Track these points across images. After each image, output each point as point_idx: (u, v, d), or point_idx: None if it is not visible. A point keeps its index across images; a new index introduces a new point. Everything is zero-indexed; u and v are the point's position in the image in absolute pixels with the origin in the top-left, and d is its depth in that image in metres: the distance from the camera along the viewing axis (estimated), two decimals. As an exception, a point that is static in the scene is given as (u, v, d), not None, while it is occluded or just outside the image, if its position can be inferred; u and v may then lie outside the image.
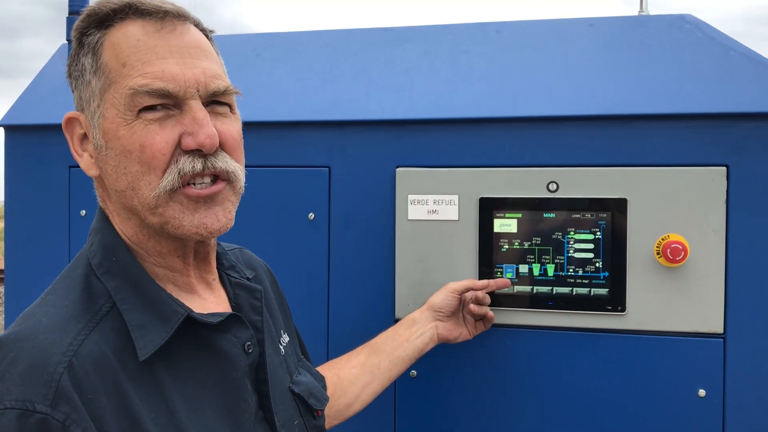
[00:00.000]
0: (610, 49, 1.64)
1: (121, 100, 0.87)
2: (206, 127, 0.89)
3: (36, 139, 1.80)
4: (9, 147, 1.83)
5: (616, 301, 1.47)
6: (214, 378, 0.92)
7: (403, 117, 1.59)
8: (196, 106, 0.89)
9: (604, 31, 1.69)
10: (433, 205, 1.56)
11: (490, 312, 1.47)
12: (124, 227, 0.95)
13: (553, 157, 1.52)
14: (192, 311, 0.91)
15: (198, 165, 0.89)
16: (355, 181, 1.62)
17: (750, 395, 1.44)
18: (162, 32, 0.90)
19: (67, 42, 2.00)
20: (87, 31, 0.92)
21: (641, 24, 1.69)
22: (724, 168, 1.43)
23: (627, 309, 1.46)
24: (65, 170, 1.78)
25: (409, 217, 1.57)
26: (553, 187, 1.50)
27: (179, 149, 0.89)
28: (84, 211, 1.75)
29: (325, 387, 1.31)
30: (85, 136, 0.94)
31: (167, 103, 0.88)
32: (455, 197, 1.55)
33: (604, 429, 1.50)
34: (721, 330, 1.44)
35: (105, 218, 0.96)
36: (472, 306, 1.45)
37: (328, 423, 1.32)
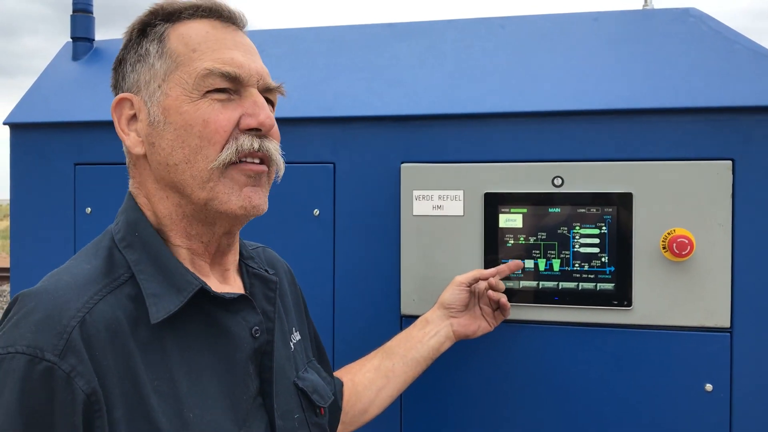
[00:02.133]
0: (615, 43, 1.64)
1: (190, 80, 0.96)
2: (266, 109, 0.99)
3: (41, 137, 1.81)
4: (14, 145, 1.84)
5: (622, 296, 1.47)
6: (219, 356, 0.96)
7: (407, 113, 1.59)
8: (257, 93, 1.00)
9: (608, 25, 1.68)
10: (438, 201, 1.56)
11: (503, 298, 1.45)
12: (157, 206, 1.00)
13: (557, 151, 1.52)
14: (206, 284, 0.95)
15: (255, 144, 0.97)
16: (359, 176, 1.62)
17: (757, 390, 1.43)
18: (228, 30, 1.02)
19: (71, 40, 2.00)
20: (153, 22, 1.01)
21: (646, 18, 1.69)
22: (730, 162, 1.43)
23: (633, 304, 1.46)
24: (71, 167, 1.78)
25: (414, 213, 1.57)
26: (558, 181, 1.50)
27: (237, 129, 0.97)
28: (89, 209, 1.76)
29: (341, 392, 1.34)
30: (133, 117, 1.01)
31: (232, 87, 0.97)
32: (460, 192, 1.55)
33: (610, 424, 1.49)
34: (727, 324, 1.43)
35: (132, 200, 1.02)
36: (490, 292, 1.45)
37: (345, 429, 1.35)
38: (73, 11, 1.99)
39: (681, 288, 1.44)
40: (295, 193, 1.65)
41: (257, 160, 0.99)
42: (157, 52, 0.99)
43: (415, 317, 1.57)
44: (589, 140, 1.51)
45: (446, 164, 1.56)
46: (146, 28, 1.01)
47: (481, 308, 1.48)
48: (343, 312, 1.64)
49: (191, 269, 0.99)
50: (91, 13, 2.01)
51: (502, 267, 1.48)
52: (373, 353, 1.45)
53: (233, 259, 1.09)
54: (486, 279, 1.46)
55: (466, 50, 1.71)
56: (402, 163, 1.59)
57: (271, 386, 1.02)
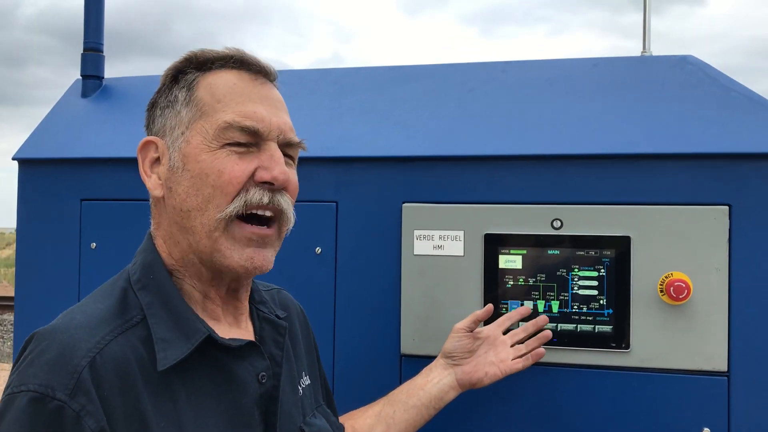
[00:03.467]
0: (614, 89, 1.67)
1: (211, 130, 0.99)
2: (281, 165, 1.01)
3: (49, 173, 1.84)
4: (23, 180, 1.87)
5: (620, 339, 1.48)
6: (225, 401, 0.97)
7: (409, 154, 1.62)
8: (275, 147, 1.02)
9: (608, 71, 1.72)
10: (439, 241, 1.58)
11: (539, 350, 1.44)
12: (172, 248, 1.02)
13: (557, 194, 1.54)
14: (213, 332, 0.97)
15: (265, 198, 0.99)
16: (361, 216, 1.64)
17: (755, 434, 1.44)
18: (255, 83, 1.04)
19: (81, 77, 2.04)
20: (185, 70, 1.05)
21: (644, 64, 1.72)
22: (727, 207, 1.45)
23: (631, 346, 1.47)
24: (77, 203, 1.81)
25: (415, 252, 1.59)
26: (557, 224, 1.52)
27: (251, 181, 0.99)
28: (94, 244, 1.78)
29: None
30: (157, 160, 1.04)
31: (251, 141, 1.00)
32: (461, 233, 1.57)
33: (608, 467, 1.49)
34: (725, 368, 1.44)
35: (151, 241, 1.05)
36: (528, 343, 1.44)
37: None
38: (84, 50, 2.03)
39: (678, 331, 1.45)
40: (298, 230, 1.65)
41: (269, 213, 1.01)
42: (184, 99, 1.02)
43: (415, 357, 1.58)
44: (588, 184, 1.53)
45: (447, 205, 1.59)
46: (179, 75, 1.05)
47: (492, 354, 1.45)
48: (344, 350, 1.64)
49: (202, 313, 1.01)
50: (102, 51, 2.05)
51: (503, 318, 1.47)
52: (377, 401, 1.44)
53: (246, 303, 1.11)
54: (483, 318, 1.44)
55: (468, 93, 1.74)
56: (403, 203, 1.61)
57: (275, 430, 1.02)
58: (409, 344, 1.59)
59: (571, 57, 1.81)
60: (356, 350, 1.64)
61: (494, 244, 1.54)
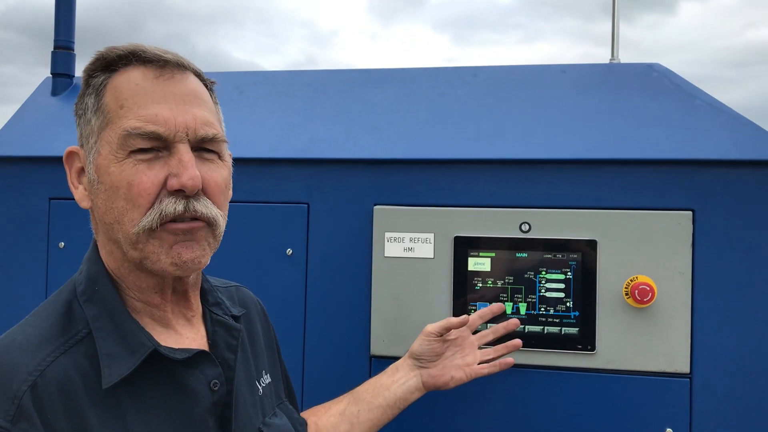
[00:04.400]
0: (582, 95, 1.70)
1: (115, 139, 0.93)
2: (190, 169, 0.93)
3: (17, 171, 1.82)
4: (-10, 178, 1.84)
5: (586, 341, 1.50)
6: (177, 412, 0.94)
7: (380, 156, 1.63)
8: (183, 149, 0.94)
9: (576, 77, 1.75)
10: (410, 243, 1.59)
11: (506, 358, 1.44)
12: (108, 260, 0.99)
13: (525, 198, 1.56)
14: (159, 345, 0.94)
15: (180, 207, 0.93)
16: (333, 217, 1.65)
17: (715, 434, 1.47)
18: (160, 79, 0.96)
19: (51, 75, 2.02)
20: (94, 73, 0.99)
21: (612, 72, 1.76)
22: (690, 212, 1.48)
23: (597, 348, 1.50)
24: (45, 202, 1.79)
25: (386, 254, 1.60)
26: (525, 227, 1.54)
27: (164, 190, 0.93)
28: (62, 243, 1.76)
29: None
30: (82, 170, 1.00)
31: (157, 145, 0.94)
32: (431, 235, 1.58)
33: (573, 467, 1.52)
34: (687, 370, 1.47)
35: (96, 249, 1.01)
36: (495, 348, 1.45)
37: None
38: (55, 47, 2.01)
39: (643, 334, 1.48)
40: (269, 232, 1.67)
41: (187, 221, 0.95)
42: (93, 107, 0.97)
43: (385, 358, 1.59)
44: (555, 188, 1.55)
45: (418, 207, 1.60)
46: (89, 79, 0.99)
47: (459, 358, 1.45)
48: (313, 352, 1.65)
49: (150, 323, 0.99)
50: (73, 50, 2.04)
51: (473, 315, 1.47)
52: (341, 397, 1.43)
53: (197, 303, 1.09)
54: (456, 327, 1.42)
55: (439, 97, 1.76)
56: (375, 205, 1.62)
57: None
58: (378, 345, 1.60)
59: (541, 63, 1.83)
60: (326, 351, 1.64)
61: (464, 246, 1.56)
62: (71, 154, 1.01)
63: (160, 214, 0.92)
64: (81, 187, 1.00)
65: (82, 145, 1.00)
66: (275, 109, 1.81)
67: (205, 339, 1.07)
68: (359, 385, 1.45)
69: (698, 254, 1.48)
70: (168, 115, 0.94)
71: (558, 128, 1.62)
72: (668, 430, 1.48)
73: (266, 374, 1.20)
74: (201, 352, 0.99)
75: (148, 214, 0.92)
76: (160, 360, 0.94)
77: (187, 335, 1.04)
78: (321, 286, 1.65)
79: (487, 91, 1.76)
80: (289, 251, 1.66)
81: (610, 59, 1.89)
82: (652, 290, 1.45)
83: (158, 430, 0.91)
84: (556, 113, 1.66)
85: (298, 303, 1.66)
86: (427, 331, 1.42)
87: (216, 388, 0.99)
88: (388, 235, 1.60)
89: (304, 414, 1.40)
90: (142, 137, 0.92)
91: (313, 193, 1.67)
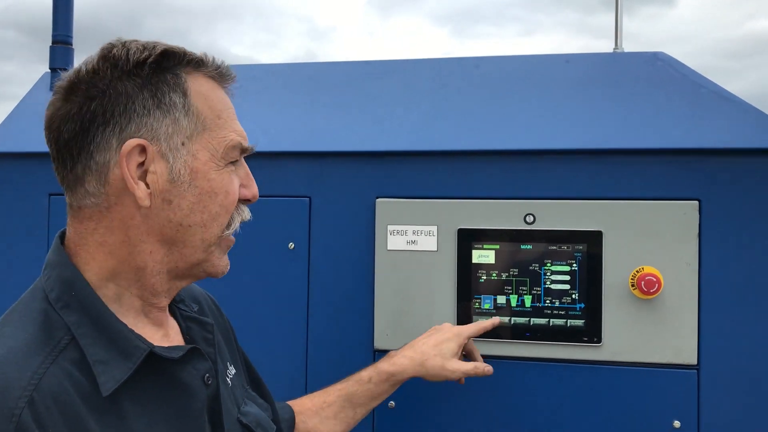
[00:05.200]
0: (586, 85, 1.68)
1: (219, 148, 0.97)
2: (254, 181, 1.05)
3: (17, 167, 1.80)
4: (-11, 174, 1.83)
5: (591, 333, 1.49)
6: (175, 409, 0.93)
7: (382, 149, 1.61)
8: (245, 162, 1.05)
9: (580, 67, 1.73)
10: (412, 236, 1.58)
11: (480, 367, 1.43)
12: (136, 258, 0.94)
13: (530, 189, 1.55)
14: (154, 346, 0.92)
15: (249, 215, 1.05)
16: (335, 211, 1.64)
17: (724, 426, 1.45)
18: (227, 93, 1.04)
19: (50, 70, 2.01)
20: (167, 65, 0.95)
21: (616, 61, 1.74)
22: (697, 202, 1.46)
23: (603, 340, 1.48)
24: (45, 198, 1.78)
25: (389, 248, 1.59)
26: (530, 219, 1.52)
27: None
28: (63, 239, 1.75)
29: (293, 420, 1.36)
30: (141, 165, 0.92)
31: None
32: (434, 228, 1.57)
33: (580, 460, 1.50)
34: (694, 362, 1.46)
35: (64, 253, 0.95)
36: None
37: None
38: (53, 42, 1.99)
39: (649, 325, 1.47)
40: (271, 226, 1.66)
41: None
42: (183, 107, 0.94)
43: (388, 351, 1.57)
44: (560, 179, 1.54)
45: (421, 200, 1.58)
46: (162, 73, 0.94)
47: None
48: (316, 346, 1.64)
49: (142, 321, 0.98)
50: (71, 44, 2.02)
51: (485, 324, 1.48)
52: (333, 394, 1.42)
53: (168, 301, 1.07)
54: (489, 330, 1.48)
55: (441, 89, 1.74)
56: (377, 198, 1.61)
57: (222, 429, 1.01)
58: (382, 339, 1.58)
59: (544, 53, 1.81)
60: (329, 345, 1.63)
61: (468, 239, 1.55)
62: (135, 148, 0.91)
63: (240, 220, 1.03)
64: (142, 185, 0.92)
65: (150, 140, 0.92)
66: (276, 102, 1.80)
67: (180, 335, 1.07)
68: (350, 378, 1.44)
69: (705, 244, 1.47)
70: (243, 130, 1.03)
71: (562, 118, 1.60)
72: (676, 422, 1.46)
73: (230, 366, 1.19)
74: (193, 348, 0.99)
75: (234, 220, 1.01)
76: (154, 359, 0.92)
77: (171, 333, 1.04)
78: (323, 280, 1.64)
79: (489, 82, 1.74)
80: (291, 245, 1.65)
81: (614, 48, 1.87)
82: (658, 281, 1.43)
83: (160, 430, 0.90)
84: (560, 103, 1.64)
85: (300, 297, 1.64)
86: (465, 336, 1.44)
87: (210, 382, 1.00)
88: (390, 228, 1.59)
89: (290, 403, 1.41)
90: (241, 151, 1.01)
91: (315, 187, 1.65)
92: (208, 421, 0.99)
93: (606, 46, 1.85)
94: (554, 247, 1.51)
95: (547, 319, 1.50)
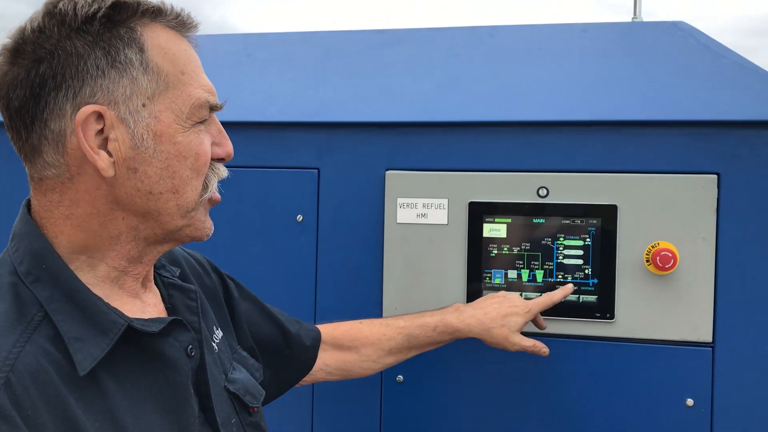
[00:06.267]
0: (603, 55, 1.64)
1: (185, 108, 0.90)
2: (228, 137, 0.98)
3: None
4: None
5: (604, 309, 1.46)
6: (159, 384, 0.90)
7: (393, 120, 1.58)
8: (216, 119, 0.97)
9: (597, 36, 1.68)
10: (423, 209, 1.55)
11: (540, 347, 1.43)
12: (107, 227, 0.90)
13: (543, 162, 1.51)
14: (132, 320, 0.88)
15: (226, 173, 0.99)
16: (344, 183, 1.61)
17: (738, 405, 1.43)
18: (191, 44, 0.96)
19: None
20: (115, 16, 0.86)
21: (634, 30, 1.69)
22: (715, 176, 1.42)
23: (616, 316, 1.45)
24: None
25: (398, 221, 1.56)
26: (543, 192, 1.49)
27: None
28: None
29: (318, 339, 1.39)
30: (100, 132, 0.86)
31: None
32: (445, 201, 1.54)
33: (591, 437, 1.48)
34: (710, 339, 1.43)
35: (32, 224, 0.90)
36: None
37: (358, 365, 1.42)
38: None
39: (664, 302, 1.44)
40: (279, 198, 1.63)
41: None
42: (141, 64, 0.87)
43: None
44: (575, 151, 1.50)
45: (431, 172, 1.55)
46: (115, 28, 0.86)
47: None
48: (325, 319, 1.62)
49: (117, 293, 0.93)
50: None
51: (554, 296, 1.45)
52: (394, 328, 1.42)
53: (151, 269, 1.03)
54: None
55: (454, 58, 1.70)
56: (387, 170, 1.58)
57: (209, 400, 0.98)
58: (391, 313, 1.56)
59: (560, 23, 1.76)
60: (337, 319, 1.60)
61: (479, 212, 1.51)
62: (91, 116, 0.84)
63: (217, 180, 0.97)
64: (103, 153, 0.86)
65: (109, 104, 0.85)
66: (285, 71, 1.77)
67: (162, 304, 1.02)
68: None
69: (723, 219, 1.43)
70: (212, 85, 0.96)
71: (578, 89, 1.56)
72: (689, 400, 1.44)
73: (217, 329, 1.14)
74: (173, 320, 0.95)
75: (211, 182, 0.95)
76: (133, 333, 0.88)
77: (149, 302, 0.99)
78: (332, 253, 1.62)
79: (504, 52, 1.70)
80: (300, 217, 1.62)
81: (633, 18, 1.82)
82: (674, 257, 1.40)
83: (143, 404, 0.88)
84: (576, 74, 1.60)
85: (308, 271, 1.62)
86: (533, 311, 1.42)
87: (193, 354, 0.96)
88: (400, 200, 1.56)
89: (348, 326, 1.45)
90: (209, 108, 0.94)
91: (324, 158, 1.62)
92: (195, 393, 0.96)
93: (625, 16, 1.80)
94: (567, 222, 1.47)
95: (559, 295, 1.47)
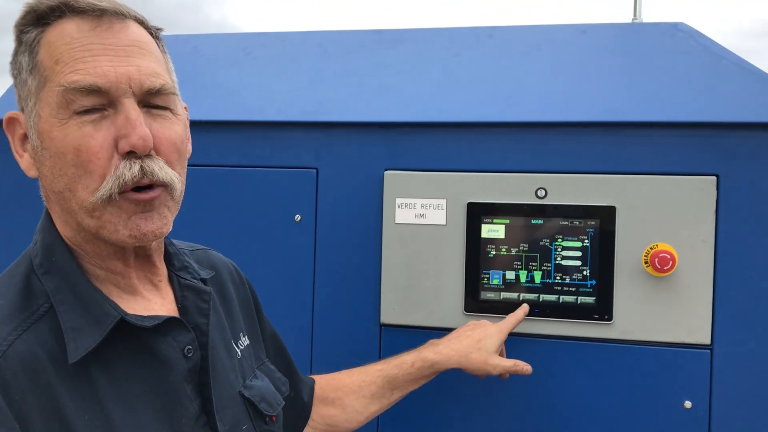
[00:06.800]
0: (603, 55, 1.63)
1: (54, 98, 0.85)
2: (139, 128, 0.86)
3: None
4: None
5: (602, 310, 1.45)
6: (151, 381, 0.90)
7: (392, 119, 1.57)
8: (129, 105, 0.87)
9: (596, 37, 1.68)
10: (421, 209, 1.55)
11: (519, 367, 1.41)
12: (63, 229, 0.93)
13: (542, 163, 1.51)
14: (126, 314, 0.89)
15: (135, 170, 0.86)
16: (342, 183, 1.61)
17: (736, 407, 1.42)
18: (97, 30, 0.88)
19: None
20: (25, 28, 0.90)
21: (634, 31, 1.68)
22: (714, 177, 1.42)
23: (614, 318, 1.45)
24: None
25: (397, 221, 1.56)
26: (541, 193, 1.49)
27: (116, 153, 0.86)
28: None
29: (312, 389, 1.35)
30: (25, 136, 0.92)
31: (101, 102, 0.86)
32: (443, 201, 1.54)
33: (588, 439, 1.48)
34: (708, 341, 1.42)
35: (49, 218, 0.95)
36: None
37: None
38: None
39: (662, 303, 1.43)
40: (277, 197, 1.63)
41: (146, 182, 0.88)
42: (28, 65, 0.89)
43: (395, 327, 1.56)
44: (573, 152, 1.50)
45: (430, 172, 1.55)
46: (21, 36, 0.90)
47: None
48: (323, 319, 1.62)
49: (115, 291, 0.94)
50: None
51: (517, 315, 1.45)
52: (372, 373, 1.39)
53: (162, 266, 1.03)
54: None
55: (453, 59, 1.70)
56: (385, 170, 1.58)
57: (211, 403, 0.97)
58: (389, 314, 1.56)
59: (560, 23, 1.76)
60: (336, 319, 1.61)
61: (477, 213, 1.51)
62: (11, 120, 0.92)
63: (119, 182, 0.85)
64: (26, 155, 0.92)
65: (22, 109, 0.91)
66: (283, 70, 1.76)
67: (174, 304, 1.02)
68: (371, 356, 1.43)
69: (722, 221, 1.42)
70: (108, 67, 0.86)
71: (577, 90, 1.56)
72: (687, 403, 1.43)
73: (245, 336, 1.15)
74: (171, 319, 0.95)
75: (106, 181, 0.85)
76: (129, 329, 0.89)
77: (155, 301, 0.99)
78: (330, 254, 1.61)
79: (503, 52, 1.69)
80: (298, 217, 1.62)
81: (632, 18, 1.82)
82: (672, 258, 1.39)
83: (134, 401, 0.88)
84: (576, 75, 1.60)
85: (306, 270, 1.62)
86: (505, 331, 1.42)
87: (190, 355, 0.95)
88: (399, 200, 1.56)
89: (328, 377, 1.41)
90: (82, 92, 0.84)
91: (323, 158, 1.62)
92: (197, 394, 0.96)
93: (625, 17, 1.79)
94: (566, 223, 1.47)
95: (557, 296, 1.47)
